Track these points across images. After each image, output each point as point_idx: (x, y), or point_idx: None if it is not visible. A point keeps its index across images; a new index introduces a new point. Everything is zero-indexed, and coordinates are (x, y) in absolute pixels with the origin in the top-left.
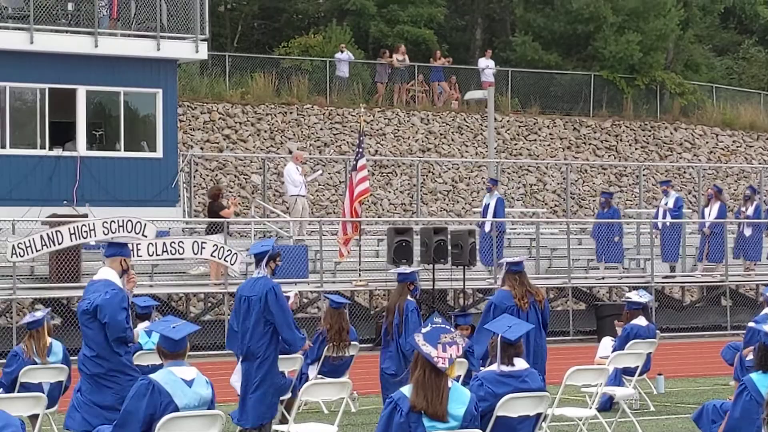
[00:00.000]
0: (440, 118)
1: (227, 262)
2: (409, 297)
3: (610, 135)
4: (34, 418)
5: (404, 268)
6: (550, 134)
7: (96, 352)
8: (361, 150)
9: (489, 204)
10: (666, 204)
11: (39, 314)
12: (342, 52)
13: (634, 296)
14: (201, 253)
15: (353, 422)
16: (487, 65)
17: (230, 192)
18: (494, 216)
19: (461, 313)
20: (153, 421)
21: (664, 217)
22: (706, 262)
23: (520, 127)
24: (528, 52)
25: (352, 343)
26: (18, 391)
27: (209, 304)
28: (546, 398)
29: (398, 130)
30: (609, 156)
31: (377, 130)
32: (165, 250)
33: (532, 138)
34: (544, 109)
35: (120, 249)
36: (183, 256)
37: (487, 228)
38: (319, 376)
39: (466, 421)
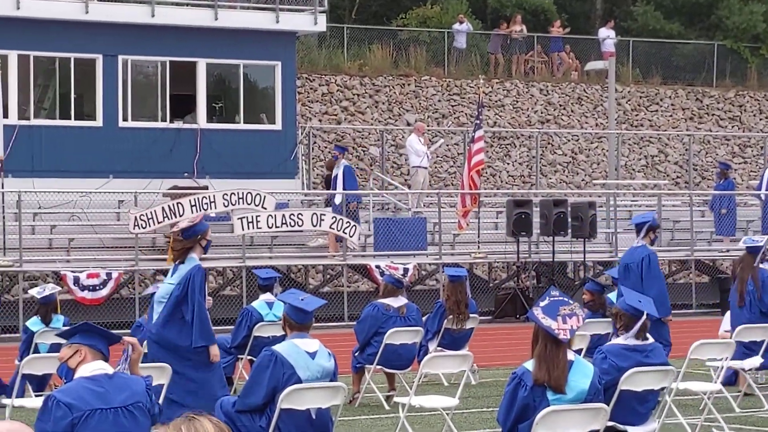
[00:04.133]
0: (560, 89)
1: (346, 234)
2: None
3: (733, 105)
4: (158, 388)
5: (752, 239)
6: (672, 105)
7: None
8: (479, 121)
9: (337, 175)
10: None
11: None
12: (461, 23)
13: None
14: (320, 225)
15: (473, 395)
16: (607, 35)
17: (349, 162)
18: (344, 188)
19: (591, 279)
20: (276, 393)
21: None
22: None
23: (641, 97)
24: (649, 21)
25: (472, 315)
26: (141, 361)
27: (328, 276)
28: (670, 372)
29: (517, 102)
30: (732, 127)
31: (496, 102)
32: (284, 222)
33: (654, 109)
34: (665, 79)
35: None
36: (302, 228)
37: (337, 200)
38: (439, 348)
39: (591, 394)
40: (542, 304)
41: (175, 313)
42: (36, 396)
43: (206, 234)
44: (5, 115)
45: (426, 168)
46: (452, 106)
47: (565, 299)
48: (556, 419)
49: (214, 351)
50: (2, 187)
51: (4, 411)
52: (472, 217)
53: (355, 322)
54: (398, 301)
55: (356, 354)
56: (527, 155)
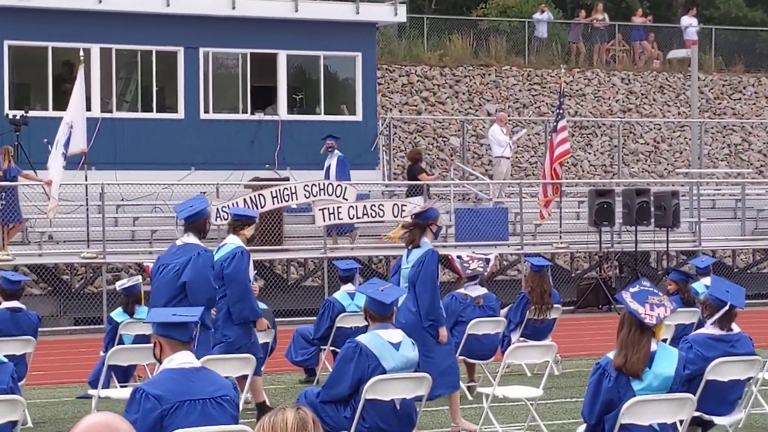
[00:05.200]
0: (641, 77)
1: None
2: None
3: None
4: (242, 378)
5: None
6: (755, 93)
7: None
8: (561, 111)
9: (330, 165)
10: None
11: None
12: (542, 12)
13: None
14: (401, 216)
15: (557, 385)
16: (690, 23)
17: (428, 154)
18: (336, 179)
19: (675, 268)
20: (361, 384)
21: None
22: None
23: (724, 85)
24: (732, 9)
25: (555, 305)
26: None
27: None
28: (757, 362)
29: (598, 91)
30: None
31: (577, 91)
32: (365, 212)
33: (737, 97)
34: (748, 67)
35: None
36: (383, 219)
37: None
38: (522, 339)
39: (676, 383)
40: (632, 290)
41: (409, 294)
42: (121, 387)
43: (436, 220)
44: (88, 108)
45: (508, 158)
46: (533, 95)
47: (656, 290)
48: (642, 409)
49: (443, 333)
50: (86, 180)
51: (90, 402)
52: (554, 207)
53: None
54: (476, 291)
55: None
56: (609, 144)
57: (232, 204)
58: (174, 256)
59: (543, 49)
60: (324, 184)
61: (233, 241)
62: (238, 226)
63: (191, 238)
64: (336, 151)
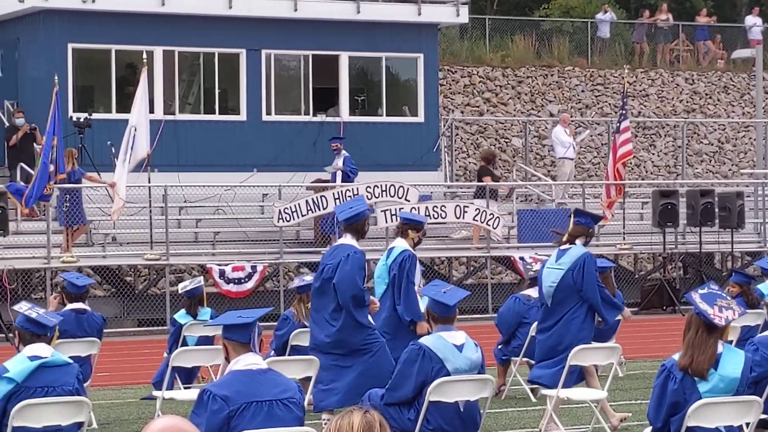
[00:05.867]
0: (705, 77)
1: (490, 226)
2: None
3: None
4: (306, 380)
5: None
6: None
7: None
8: (624, 112)
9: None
10: None
11: (309, 278)
12: (605, 12)
13: None
14: (463, 217)
15: (621, 387)
16: (754, 23)
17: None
18: (344, 179)
19: (738, 270)
20: (425, 386)
21: None
22: None
23: None
24: None
25: None
26: (288, 354)
27: (471, 268)
28: None
29: (662, 91)
30: None
31: (640, 91)
32: (427, 214)
33: None
34: None
35: None
36: (445, 220)
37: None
38: None
39: (743, 385)
40: (701, 291)
41: (565, 293)
42: (184, 388)
43: (591, 232)
44: (151, 111)
45: (572, 159)
46: (596, 96)
47: (724, 294)
48: (709, 412)
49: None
50: (149, 182)
51: (155, 403)
52: (617, 208)
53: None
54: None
55: (500, 347)
56: (672, 145)
57: (293, 206)
58: (330, 257)
59: (606, 50)
60: (386, 186)
61: (401, 245)
62: (407, 230)
63: (347, 239)
64: (343, 152)
